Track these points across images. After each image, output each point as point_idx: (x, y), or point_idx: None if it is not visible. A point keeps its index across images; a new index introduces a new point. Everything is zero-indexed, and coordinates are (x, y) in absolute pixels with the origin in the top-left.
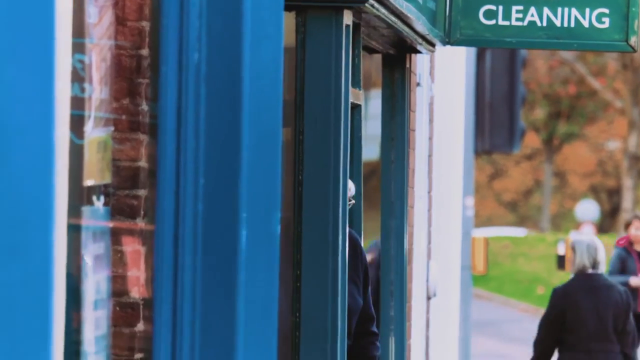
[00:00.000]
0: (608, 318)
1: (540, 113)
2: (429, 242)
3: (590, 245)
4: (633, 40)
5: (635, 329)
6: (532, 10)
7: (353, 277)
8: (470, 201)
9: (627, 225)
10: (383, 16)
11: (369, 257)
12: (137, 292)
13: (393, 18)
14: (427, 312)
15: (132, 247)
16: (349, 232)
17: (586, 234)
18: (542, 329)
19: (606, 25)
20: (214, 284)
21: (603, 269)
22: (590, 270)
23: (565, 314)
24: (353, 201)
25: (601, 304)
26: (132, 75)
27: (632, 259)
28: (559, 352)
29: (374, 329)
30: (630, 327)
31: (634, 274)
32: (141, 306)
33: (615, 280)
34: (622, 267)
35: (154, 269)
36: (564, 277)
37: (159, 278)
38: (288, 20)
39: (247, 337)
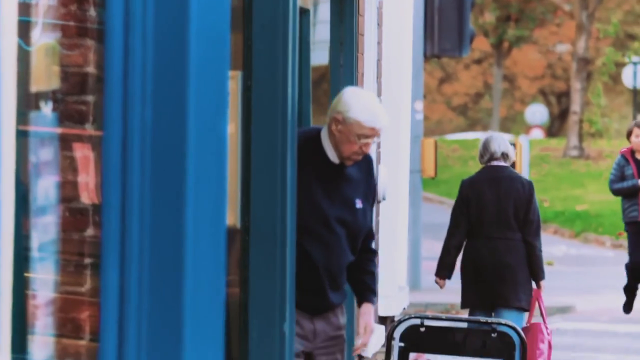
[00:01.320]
0: (508, 207)
1: (489, 17)
2: (378, 147)
3: (495, 138)
4: None
5: (540, 219)
6: None
7: (367, 195)
8: (420, 105)
9: (629, 134)
10: None
11: None
12: (86, 197)
13: None
14: (377, 215)
15: (81, 152)
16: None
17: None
18: (451, 220)
19: None
20: (162, 189)
21: (510, 162)
22: (494, 162)
23: (470, 203)
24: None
25: (502, 194)
26: None
27: (629, 166)
28: (467, 240)
29: (373, 246)
30: (534, 217)
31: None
32: (90, 212)
33: (623, 185)
34: (621, 174)
35: (102, 175)
36: None
37: (107, 183)
38: None
39: (196, 238)
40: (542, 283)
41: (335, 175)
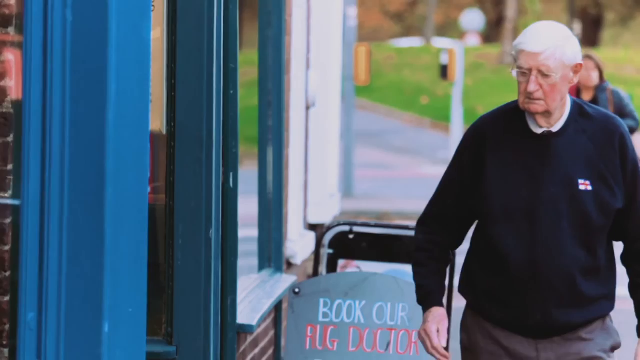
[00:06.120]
0: None
1: None
2: (308, 52)
3: None
4: None
5: None
6: None
7: (607, 175)
8: (353, 11)
9: None
10: None
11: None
12: (9, 102)
13: None
14: (307, 121)
15: (3, 57)
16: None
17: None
18: None
19: None
20: (84, 94)
21: None
22: None
23: None
24: None
25: None
26: None
27: None
28: None
29: None
30: None
31: None
32: (13, 116)
33: None
34: None
35: (22, 80)
36: (448, 87)
37: (27, 89)
38: None
39: (117, 135)
40: None
41: (541, 149)
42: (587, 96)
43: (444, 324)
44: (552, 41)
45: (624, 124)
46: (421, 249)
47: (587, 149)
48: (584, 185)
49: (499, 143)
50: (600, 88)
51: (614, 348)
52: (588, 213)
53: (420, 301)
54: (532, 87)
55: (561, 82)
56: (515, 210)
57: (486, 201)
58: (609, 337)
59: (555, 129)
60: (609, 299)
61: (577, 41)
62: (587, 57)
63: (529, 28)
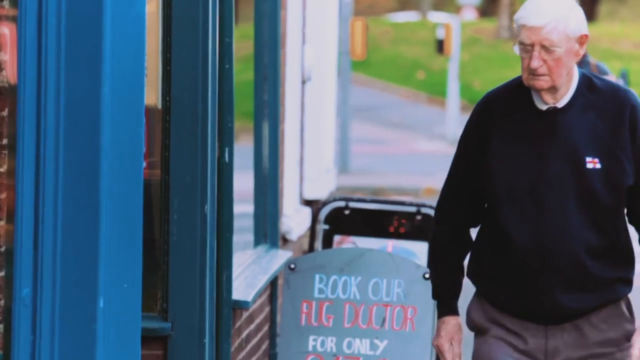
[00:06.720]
0: None
1: None
2: (304, 26)
3: None
4: None
5: None
6: None
7: (618, 151)
8: None
9: None
10: None
11: None
12: (3, 76)
13: None
14: (302, 96)
15: None
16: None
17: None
18: None
19: None
20: (78, 69)
21: None
22: None
23: None
24: None
25: None
26: None
27: None
28: None
29: None
30: None
31: None
32: (8, 90)
33: None
34: None
35: (17, 54)
36: (444, 61)
37: (22, 63)
38: None
39: (112, 110)
40: None
41: (546, 126)
42: None
43: (457, 337)
44: (554, 13)
45: (636, 95)
46: (437, 241)
47: (595, 125)
48: (592, 163)
49: (504, 121)
50: (583, 62)
51: (627, 337)
52: (596, 192)
53: (434, 298)
54: (535, 63)
55: (566, 55)
56: (520, 190)
57: (491, 180)
58: (622, 325)
59: (560, 104)
60: (626, 282)
61: (580, 11)
62: None
63: (529, 0)
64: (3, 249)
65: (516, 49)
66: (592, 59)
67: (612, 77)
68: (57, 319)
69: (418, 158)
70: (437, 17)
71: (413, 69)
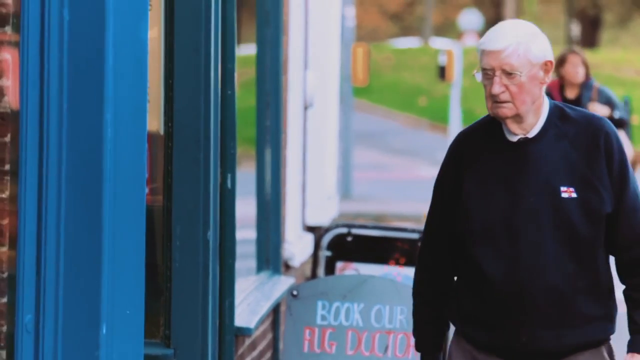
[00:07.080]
0: None
1: None
2: (306, 52)
3: None
4: None
5: None
6: None
7: (593, 179)
8: (351, 11)
9: (561, 62)
10: None
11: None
12: (6, 102)
13: None
14: (305, 122)
15: (0, 56)
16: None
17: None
18: None
19: None
20: (81, 94)
21: None
22: None
23: None
24: None
25: None
26: None
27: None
28: None
29: None
30: None
31: None
32: (10, 116)
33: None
34: None
35: (20, 80)
36: (446, 88)
37: (25, 89)
38: None
39: (114, 136)
40: None
41: (518, 157)
42: (571, 93)
43: None
44: (514, 37)
45: (610, 123)
46: (416, 292)
47: (569, 154)
48: (567, 192)
49: (475, 157)
50: (586, 86)
51: None
52: (574, 223)
53: (417, 350)
54: (496, 88)
55: (529, 82)
56: (495, 226)
57: (466, 220)
58: None
59: (531, 134)
60: (608, 320)
61: (545, 38)
62: (573, 52)
63: (492, 27)
64: (5, 275)
65: (478, 76)
66: (596, 83)
67: (616, 100)
68: (60, 345)
69: (420, 184)
70: (438, 43)
71: (415, 95)
